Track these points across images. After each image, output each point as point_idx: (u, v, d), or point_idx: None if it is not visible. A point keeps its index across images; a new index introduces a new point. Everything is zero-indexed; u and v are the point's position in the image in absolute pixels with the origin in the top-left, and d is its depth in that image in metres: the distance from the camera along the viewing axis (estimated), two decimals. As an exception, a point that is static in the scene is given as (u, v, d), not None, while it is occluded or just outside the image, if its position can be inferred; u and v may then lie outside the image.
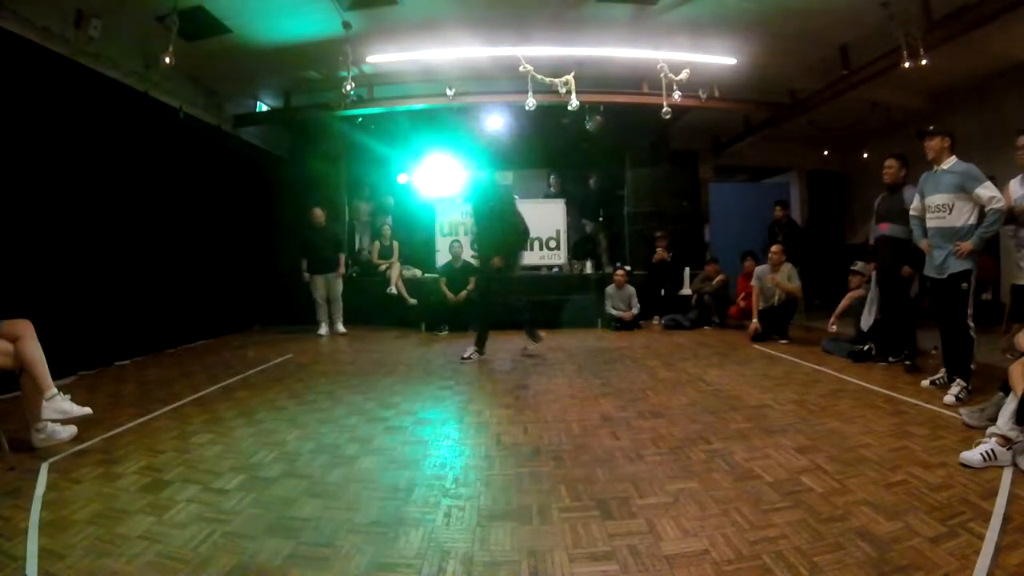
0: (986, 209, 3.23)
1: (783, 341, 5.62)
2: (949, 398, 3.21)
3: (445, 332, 6.77)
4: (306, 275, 6.70)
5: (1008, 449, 2.23)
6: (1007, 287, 3.61)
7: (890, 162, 4.15)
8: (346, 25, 4.78)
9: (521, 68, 5.42)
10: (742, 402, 3.38)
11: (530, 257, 7.23)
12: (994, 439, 2.27)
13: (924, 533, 1.74)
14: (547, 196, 8.21)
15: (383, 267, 7.45)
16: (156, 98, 5.45)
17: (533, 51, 5.49)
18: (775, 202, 7.57)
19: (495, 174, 5.84)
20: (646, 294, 7.14)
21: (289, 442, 2.75)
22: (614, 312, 6.87)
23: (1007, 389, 2.47)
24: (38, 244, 4.08)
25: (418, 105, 6.63)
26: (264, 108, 7.33)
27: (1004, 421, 2.30)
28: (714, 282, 6.96)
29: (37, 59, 4.10)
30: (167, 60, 4.24)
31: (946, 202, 3.41)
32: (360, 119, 6.92)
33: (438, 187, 8.04)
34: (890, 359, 4.12)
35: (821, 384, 3.83)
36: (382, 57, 5.71)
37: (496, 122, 7.23)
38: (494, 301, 5.19)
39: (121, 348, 4.88)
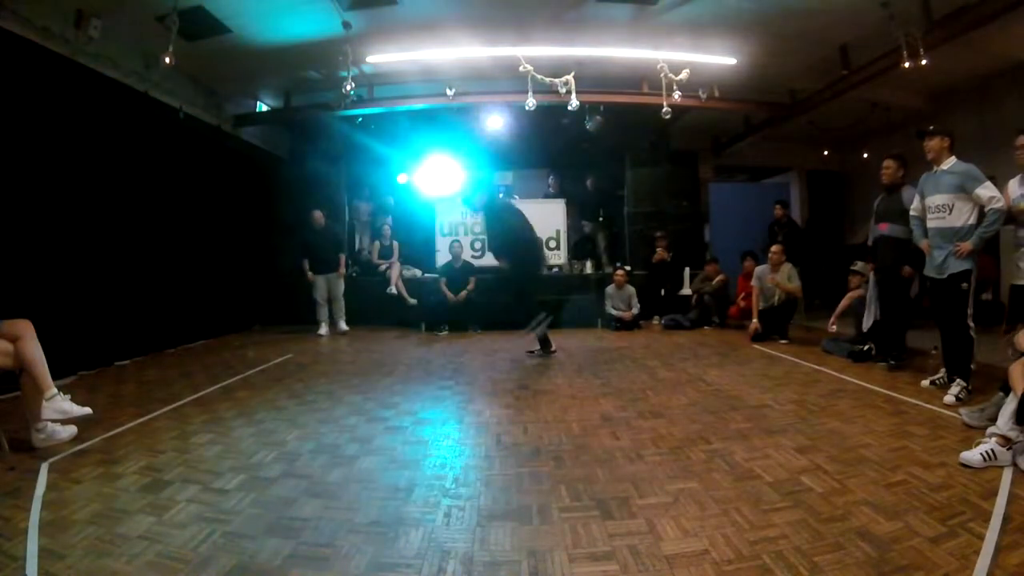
0: (986, 209, 3.23)
1: (783, 341, 5.62)
2: (949, 398, 3.21)
3: (445, 332, 6.78)
4: (310, 275, 6.70)
5: (1008, 449, 2.23)
6: (1007, 287, 3.60)
7: (888, 162, 4.15)
8: (346, 25, 4.78)
9: (521, 68, 5.42)
10: (742, 402, 3.38)
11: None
12: (994, 439, 2.27)
13: (924, 533, 1.74)
14: (547, 196, 8.21)
15: (383, 267, 7.46)
16: (156, 98, 5.45)
17: (533, 51, 5.49)
18: (775, 202, 7.58)
19: (494, 179, 5.81)
20: (646, 294, 7.15)
21: (289, 442, 2.75)
22: (614, 312, 6.87)
23: (1007, 389, 2.47)
24: (38, 244, 4.08)
25: (418, 105, 6.62)
26: (264, 108, 7.33)
27: (1004, 421, 2.30)
28: (714, 282, 6.96)
29: (37, 59, 4.10)
30: (167, 60, 4.24)
31: (946, 202, 3.41)
32: (360, 119, 6.92)
33: (438, 187, 8.04)
34: (891, 361, 4.13)
35: (821, 384, 3.83)
36: (382, 57, 5.71)
37: (496, 122, 7.23)
38: (531, 298, 5.15)
39: (121, 348, 4.88)
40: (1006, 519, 1.80)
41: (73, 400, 2.71)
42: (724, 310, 6.93)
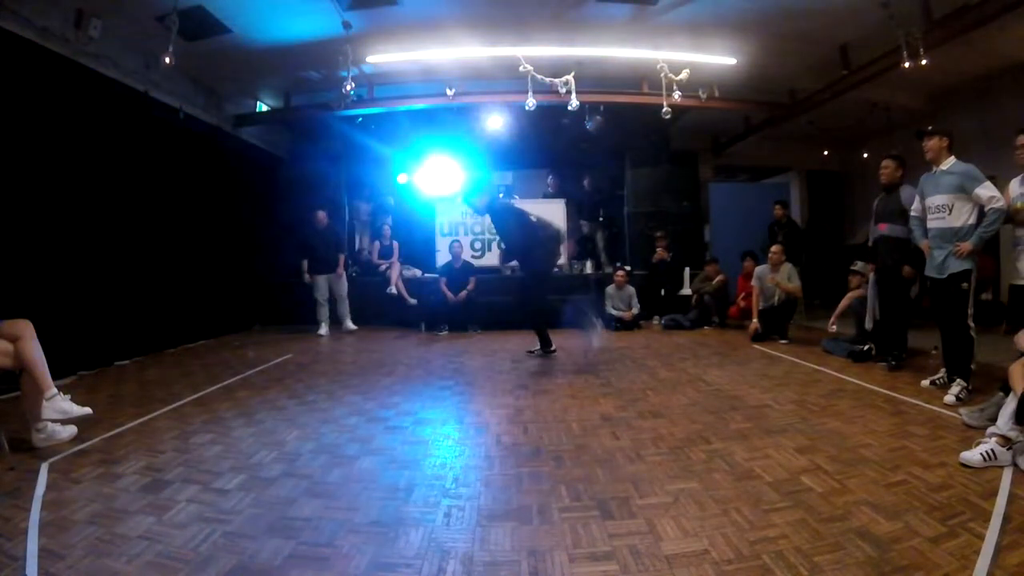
0: (986, 209, 3.23)
1: (783, 341, 5.62)
2: (949, 398, 3.21)
3: (445, 332, 6.77)
4: (307, 276, 6.70)
5: (1008, 449, 2.23)
6: (1007, 287, 3.61)
7: (886, 163, 4.15)
8: (346, 25, 4.78)
9: (521, 68, 5.42)
10: (742, 402, 3.38)
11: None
12: (994, 439, 2.27)
13: (924, 533, 1.74)
14: (546, 196, 8.20)
15: (383, 267, 7.46)
16: (156, 98, 5.45)
17: (533, 51, 5.49)
18: (775, 202, 7.56)
19: (492, 181, 5.81)
20: (646, 294, 7.15)
21: (289, 442, 2.75)
22: (614, 312, 6.87)
23: (1007, 389, 2.47)
24: (38, 244, 4.08)
25: (418, 105, 6.62)
26: (264, 108, 7.33)
27: (1004, 421, 2.30)
28: (714, 282, 6.96)
29: (37, 59, 4.10)
30: (167, 60, 4.23)
31: (946, 203, 3.41)
32: (360, 119, 6.93)
33: (438, 187, 8.04)
34: (891, 361, 4.13)
35: (821, 384, 3.83)
36: (382, 57, 5.71)
37: (496, 122, 7.23)
38: (541, 301, 5.14)
39: (121, 348, 4.88)
40: (1006, 519, 1.80)
41: (73, 400, 2.71)
42: (724, 310, 6.92)
